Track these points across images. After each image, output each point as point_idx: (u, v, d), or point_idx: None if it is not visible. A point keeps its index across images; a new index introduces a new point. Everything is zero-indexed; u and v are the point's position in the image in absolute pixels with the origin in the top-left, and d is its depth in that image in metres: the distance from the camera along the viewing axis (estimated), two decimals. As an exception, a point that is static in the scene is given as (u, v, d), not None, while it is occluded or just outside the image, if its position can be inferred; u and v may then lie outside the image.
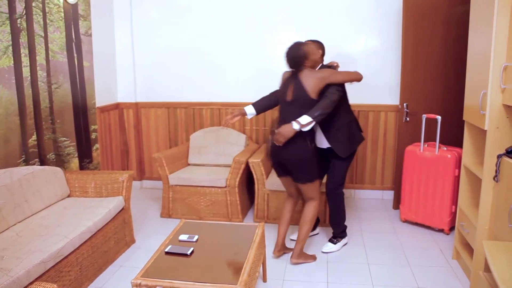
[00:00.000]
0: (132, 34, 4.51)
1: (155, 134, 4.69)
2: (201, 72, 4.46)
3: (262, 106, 3.08)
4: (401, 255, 3.11)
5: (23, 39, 3.07)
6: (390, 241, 3.37)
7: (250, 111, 3.04)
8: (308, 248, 3.21)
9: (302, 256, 2.98)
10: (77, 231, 2.55)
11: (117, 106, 4.58)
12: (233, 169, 3.65)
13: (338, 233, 3.24)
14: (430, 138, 3.55)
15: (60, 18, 3.50)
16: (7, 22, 2.91)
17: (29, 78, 3.13)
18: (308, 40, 3.05)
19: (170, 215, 3.88)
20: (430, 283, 2.71)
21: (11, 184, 2.67)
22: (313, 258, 3.04)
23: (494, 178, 2.37)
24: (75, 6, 3.70)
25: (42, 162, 3.27)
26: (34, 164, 3.17)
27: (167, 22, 4.43)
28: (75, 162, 3.74)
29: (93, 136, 4.04)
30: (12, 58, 2.96)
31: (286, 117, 2.75)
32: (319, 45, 3.04)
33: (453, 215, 3.35)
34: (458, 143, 3.19)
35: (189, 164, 4.22)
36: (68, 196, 3.21)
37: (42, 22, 3.27)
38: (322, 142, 3.04)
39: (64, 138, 3.58)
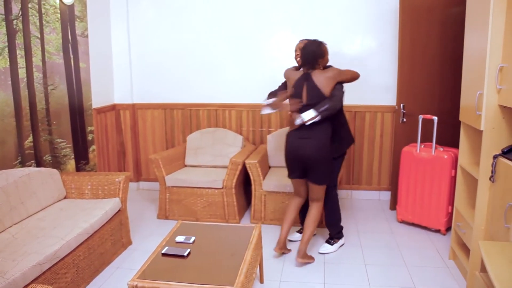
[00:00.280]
0: (129, 35, 4.51)
1: (152, 135, 4.68)
2: (198, 73, 4.45)
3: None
4: (397, 255, 3.12)
5: (19, 40, 3.05)
6: (387, 241, 3.37)
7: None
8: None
9: (306, 256, 2.99)
10: (74, 233, 2.54)
11: (113, 107, 4.57)
12: (230, 170, 3.64)
13: (335, 234, 3.25)
14: (426, 138, 3.56)
15: (57, 19, 3.49)
16: (3, 23, 2.89)
17: (25, 79, 3.11)
18: (305, 39, 3.05)
19: (167, 217, 3.87)
20: (426, 283, 2.72)
21: (7, 186, 2.66)
22: (313, 259, 3.05)
23: (490, 179, 2.38)
24: (71, 7, 3.69)
25: (38, 164, 3.26)
26: (30, 165, 3.16)
27: (164, 23, 4.43)
28: (71, 164, 3.73)
29: (89, 137, 4.03)
30: (8, 60, 2.95)
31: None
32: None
33: (450, 215, 3.36)
34: (455, 144, 3.20)
35: (185, 165, 4.22)
36: (65, 198, 3.20)
37: (38, 23, 3.26)
38: None
39: (61, 140, 3.57)
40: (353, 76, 2.93)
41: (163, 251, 2.30)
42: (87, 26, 3.96)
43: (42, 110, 3.32)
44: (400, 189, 3.65)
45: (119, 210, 3.16)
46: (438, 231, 3.48)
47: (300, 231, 3.41)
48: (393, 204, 3.97)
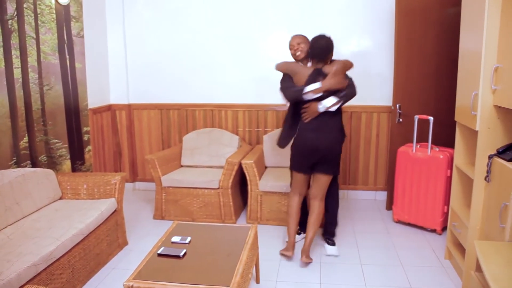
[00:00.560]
0: (125, 35, 4.50)
1: (148, 135, 4.67)
2: (194, 73, 4.45)
3: None
4: (394, 255, 3.12)
5: (14, 41, 3.04)
6: (383, 241, 3.38)
7: None
8: (299, 249, 3.20)
9: (309, 256, 2.99)
10: (69, 234, 2.53)
11: (109, 108, 4.56)
12: (226, 170, 3.64)
13: (333, 232, 3.25)
14: (422, 138, 3.57)
15: (52, 19, 3.48)
16: (-2, 23, 2.89)
17: (20, 79, 3.10)
18: (298, 34, 3.05)
19: (163, 217, 3.86)
20: (422, 283, 2.72)
21: (2, 187, 2.64)
22: (312, 258, 3.04)
23: (485, 178, 2.39)
24: (67, 7, 3.68)
25: (34, 164, 3.24)
26: (25, 166, 3.14)
27: (160, 23, 4.42)
28: (67, 164, 3.71)
29: (85, 137, 4.02)
30: (3, 60, 2.93)
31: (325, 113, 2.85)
32: None
33: (445, 215, 3.37)
34: (450, 144, 3.21)
35: (182, 166, 4.21)
36: (60, 198, 3.18)
37: (33, 24, 3.25)
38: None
39: (56, 140, 3.56)
40: (351, 65, 2.98)
41: (159, 252, 2.30)
42: (82, 26, 3.94)
43: (37, 110, 3.30)
44: (396, 189, 3.66)
45: (115, 211, 3.15)
46: (434, 231, 3.49)
47: (298, 232, 3.40)
48: (389, 204, 3.98)
